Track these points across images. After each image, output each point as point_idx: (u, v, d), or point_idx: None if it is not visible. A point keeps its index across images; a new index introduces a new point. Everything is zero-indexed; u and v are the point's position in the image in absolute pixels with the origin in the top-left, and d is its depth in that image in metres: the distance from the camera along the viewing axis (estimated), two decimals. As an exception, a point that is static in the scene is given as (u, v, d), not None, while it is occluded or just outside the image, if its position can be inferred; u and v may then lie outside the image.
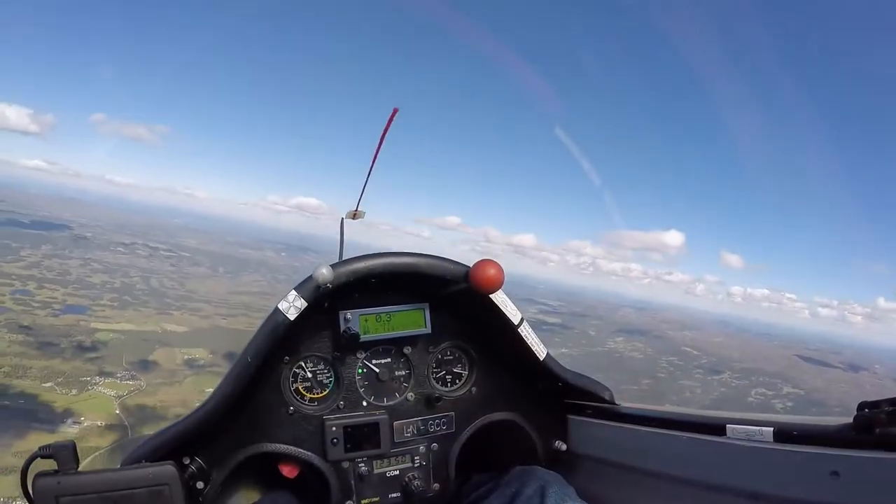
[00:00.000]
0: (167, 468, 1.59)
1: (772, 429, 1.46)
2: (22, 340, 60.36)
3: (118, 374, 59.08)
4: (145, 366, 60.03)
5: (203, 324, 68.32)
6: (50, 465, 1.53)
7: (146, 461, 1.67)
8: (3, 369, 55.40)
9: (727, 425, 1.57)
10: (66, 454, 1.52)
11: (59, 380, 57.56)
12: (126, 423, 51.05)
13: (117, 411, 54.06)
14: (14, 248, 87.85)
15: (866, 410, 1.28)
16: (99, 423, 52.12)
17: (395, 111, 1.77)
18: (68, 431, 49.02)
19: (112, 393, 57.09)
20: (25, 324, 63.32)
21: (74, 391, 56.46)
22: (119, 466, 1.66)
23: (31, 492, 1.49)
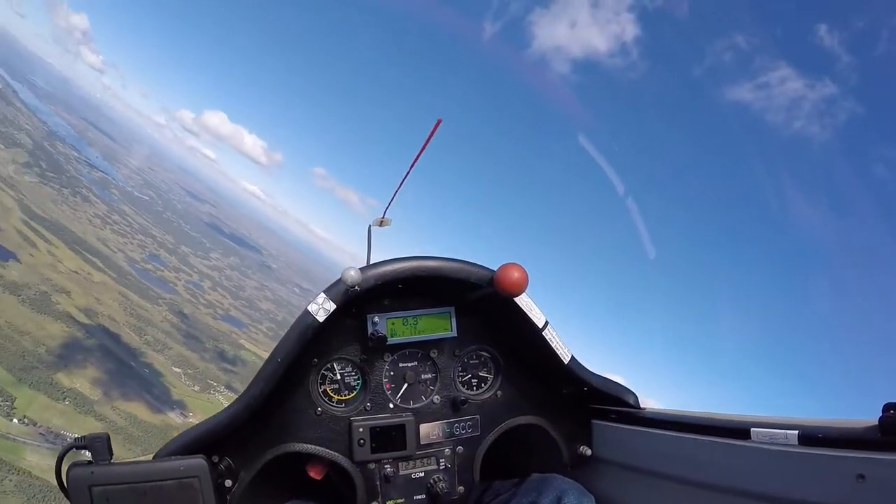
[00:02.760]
0: (198, 461, 1.63)
1: (797, 432, 1.43)
2: (175, 322, 59.29)
3: (244, 395, 55.11)
4: (271, 400, 54.85)
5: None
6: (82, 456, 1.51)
7: (176, 456, 1.69)
8: (146, 336, 54.43)
9: (752, 429, 1.54)
10: (100, 445, 1.58)
11: (190, 372, 54.71)
12: (228, 440, 45.61)
13: (226, 426, 49.50)
14: (206, 248, 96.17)
15: (892, 412, 1.24)
16: (204, 427, 48.82)
17: (439, 121, 1.81)
18: (172, 418, 45.24)
19: (230, 408, 53.31)
20: (185, 311, 62.73)
21: (197, 388, 53.58)
22: (151, 459, 1.68)
23: (65, 481, 1.54)
